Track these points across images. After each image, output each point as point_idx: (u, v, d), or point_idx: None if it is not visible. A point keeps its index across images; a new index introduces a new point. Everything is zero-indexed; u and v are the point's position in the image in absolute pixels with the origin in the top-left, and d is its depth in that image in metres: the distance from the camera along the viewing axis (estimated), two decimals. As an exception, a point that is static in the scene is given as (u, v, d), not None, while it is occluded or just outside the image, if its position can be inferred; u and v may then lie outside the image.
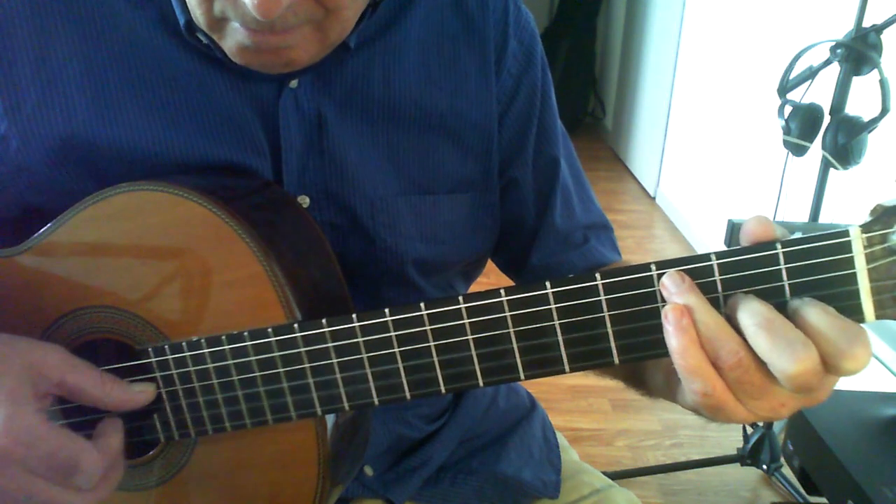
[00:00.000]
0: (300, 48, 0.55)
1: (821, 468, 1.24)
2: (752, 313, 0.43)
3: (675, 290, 0.44)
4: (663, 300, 0.46)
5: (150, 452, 0.60)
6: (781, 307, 0.43)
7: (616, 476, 1.76)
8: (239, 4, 0.51)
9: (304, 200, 0.65)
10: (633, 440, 2.00)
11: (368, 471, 0.74)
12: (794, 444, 1.36)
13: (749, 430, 1.80)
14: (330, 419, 0.57)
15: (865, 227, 0.42)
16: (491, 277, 0.86)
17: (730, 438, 1.94)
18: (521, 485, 0.79)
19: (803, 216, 1.66)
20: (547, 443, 0.85)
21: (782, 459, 1.71)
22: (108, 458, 0.53)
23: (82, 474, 0.51)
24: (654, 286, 0.46)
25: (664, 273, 0.45)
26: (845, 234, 0.42)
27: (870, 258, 0.42)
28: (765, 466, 1.75)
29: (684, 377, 0.45)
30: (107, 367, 0.56)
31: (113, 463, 0.54)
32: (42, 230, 0.59)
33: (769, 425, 1.75)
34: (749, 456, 1.76)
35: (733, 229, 1.25)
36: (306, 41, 0.55)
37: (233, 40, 0.55)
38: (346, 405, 0.53)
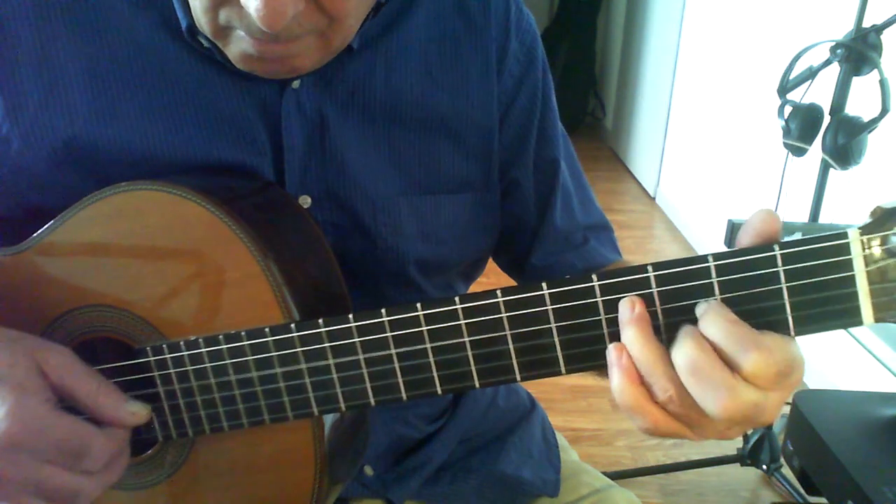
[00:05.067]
0: (304, 56, 0.56)
1: (821, 468, 1.24)
2: (682, 354, 0.44)
3: (622, 318, 0.46)
4: (661, 302, 0.46)
5: (148, 451, 0.60)
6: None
7: (616, 476, 1.76)
8: (245, 15, 0.51)
9: (306, 200, 0.65)
10: (633, 440, 2.00)
11: (368, 471, 0.74)
12: (794, 444, 1.35)
13: (749, 430, 1.80)
14: (328, 419, 0.57)
15: (864, 230, 0.42)
16: (491, 277, 0.86)
17: (730, 439, 1.94)
18: (521, 484, 0.79)
19: (803, 216, 1.66)
20: (546, 443, 0.85)
21: (782, 459, 1.71)
22: (115, 443, 0.54)
23: (91, 458, 0.51)
24: (650, 288, 0.45)
25: (661, 274, 0.45)
26: (844, 235, 0.42)
27: (869, 260, 0.42)
28: (765, 466, 1.75)
29: (625, 413, 0.46)
30: (105, 367, 0.56)
31: (120, 448, 0.55)
32: (42, 230, 0.59)
33: (769, 426, 1.75)
34: (749, 456, 1.75)
35: (733, 229, 1.25)
36: (310, 49, 0.56)
37: (237, 48, 0.55)
38: (342, 405, 0.53)
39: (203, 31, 0.57)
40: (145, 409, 0.56)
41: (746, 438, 1.78)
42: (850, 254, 0.42)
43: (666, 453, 1.94)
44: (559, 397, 2.15)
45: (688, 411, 0.45)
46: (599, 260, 0.75)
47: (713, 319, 0.43)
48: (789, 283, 0.43)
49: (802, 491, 1.46)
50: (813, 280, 0.43)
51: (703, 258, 0.45)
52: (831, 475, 1.19)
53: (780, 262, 0.43)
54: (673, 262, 0.45)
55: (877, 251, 0.41)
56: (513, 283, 0.77)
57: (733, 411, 0.42)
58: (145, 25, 0.62)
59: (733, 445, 1.83)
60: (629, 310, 0.45)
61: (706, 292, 0.45)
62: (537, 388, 0.93)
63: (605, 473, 0.85)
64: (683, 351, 0.44)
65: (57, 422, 0.50)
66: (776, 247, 0.43)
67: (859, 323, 0.43)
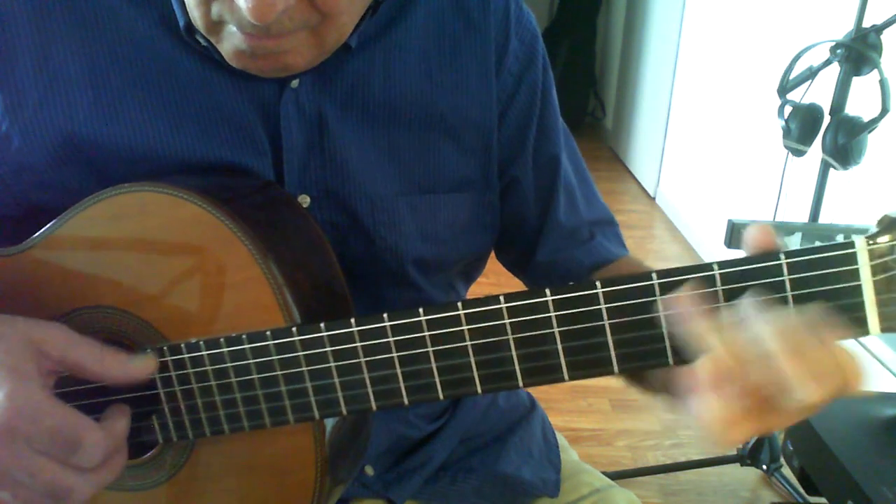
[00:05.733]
0: (296, 53, 0.56)
1: (821, 468, 1.24)
2: (778, 335, 0.40)
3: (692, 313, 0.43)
4: (665, 309, 0.45)
5: (148, 454, 0.60)
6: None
7: (616, 476, 1.76)
8: (235, 8, 0.51)
9: (305, 200, 0.65)
10: (633, 440, 2.00)
11: (369, 471, 0.74)
12: (794, 444, 1.35)
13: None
14: (329, 421, 0.57)
15: (871, 239, 0.41)
16: (491, 278, 0.86)
17: (730, 439, 1.94)
18: (521, 483, 0.79)
19: (803, 216, 1.66)
20: (547, 442, 0.85)
21: (782, 459, 1.71)
22: (111, 440, 0.53)
23: (84, 452, 0.51)
24: (655, 295, 0.45)
25: (665, 282, 0.45)
26: (851, 245, 0.42)
27: (876, 270, 0.41)
28: (765, 466, 1.75)
29: (710, 427, 0.42)
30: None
31: (117, 447, 0.54)
32: (43, 229, 0.59)
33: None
34: (749, 456, 1.76)
35: (733, 229, 1.25)
36: (302, 46, 0.56)
37: (230, 44, 0.55)
38: (343, 410, 0.53)
39: (197, 28, 0.57)
40: (151, 358, 0.55)
41: (746, 438, 1.78)
42: (857, 263, 0.42)
43: (666, 453, 1.95)
44: (559, 397, 2.15)
45: (765, 394, 0.40)
46: (606, 255, 0.75)
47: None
48: (795, 291, 0.43)
49: (802, 491, 1.46)
50: (819, 289, 0.42)
51: (709, 266, 0.44)
52: (831, 475, 1.19)
53: (785, 270, 0.43)
54: (677, 269, 0.45)
55: (884, 261, 0.41)
56: (516, 281, 0.77)
57: (824, 399, 0.39)
58: (145, 24, 0.62)
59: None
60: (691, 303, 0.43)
61: (711, 300, 0.44)
62: (537, 388, 0.93)
63: (605, 473, 0.85)
64: (780, 328, 0.40)
65: (51, 409, 0.50)
66: (782, 255, 0.43)
67: (866, 332, 0.42)
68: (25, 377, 0.50)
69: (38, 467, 0.50)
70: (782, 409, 0.41)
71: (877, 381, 1.72)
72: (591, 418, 2.08)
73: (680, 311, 0.44)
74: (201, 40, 0.59)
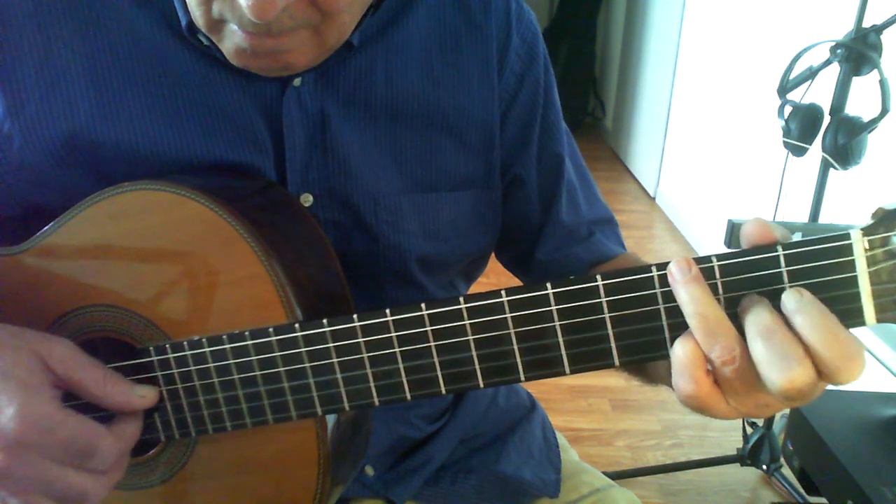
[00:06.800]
0: (297, 52, 0.56)
1: (821, 468, 1.24)
2: (755, 318, 0.43)
3: (680, 277, 0.44)
4: (664, 301, 0.46)
5: (151, 451, 0.60)
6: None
7: (616, 476, 1.76)
8: (236, 6, 0.51)
9: (308, 198, 0.65)
10: (633, 440, 2.00)
11: (369, 471, 0.74)
12: (794, 444, 1.36)
13: (749, 430, 1.80)
14: (330, 419, 0.57)
15: (867, 230, 0.42)
16: (492, 278, 0.86)
17: (730, 439, 1.94)
18: (521, 484, 0.79)
19: (803, 216, 1.66)
20: (547, 442, 0.86)
21: (782, 459, 1.71)
22: (123, 443, 0.54)
23: (99, 457, 0.51)
24: (654, 288, 0.46)
25: (664, 274, 0.45)
26: (846, 236, 0.42)
27: (871, 261, 0.42)
28: (764, 466, 1.75)
29: (676, 378, 0.45)
30: (108, 367, 0.56)
31: (128, 449, 0.55)
32: (44, 229, 0.59)
33: (769, 425, 1.75)
34: (749, 456, 1.76)
35: (733, 229, 1.25)
36: (303, 45, 0.56)
37: (230, 42, 0.55)
38: (346, 405, 0.53)
39: (198, 26, 0.57)
40: (153, 390, 0.56)
41: (746, 438, 1.78)
42: (852, 255, 0.42)
43: (666, 453, 1.95)
44: (559, 397, 2.15)
45: (739, 378, 0.44)
46: (605, 251, 0.75)
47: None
48: (792, 283, 0.43)
49: (802, 491, 1.46)
50: (816, 281, 0.43)
51: (707, 258, 0.45)
52: (831, 475, 1.19)
53: (783, 262, 0.43)
54: None
55: (879, 252, 0.42)
56: (516, 283, 0.78)
57: (794, 386, 0.41)
58: (147, 23, 0.62)
59: (733, 445, 1.83)
60: (687, 269, 0.44)
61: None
62: (537, 388, 0.93)
63: (605, 473, 0.85)
64: (756, 314, 0.43)
65: (64, 420, 0.50)
66: (779, 248, 0.43)
67: (862, 323, 0.43)
68: (36, 389, 0.50)
69: (54, 476, 0.50)
70: (763, 392, 0.44)
71: (877, 381, 1.73)
72: (591, 418, 2.09)
73: (672, 278, 0.45)
74: (203, 39, 0.59)
